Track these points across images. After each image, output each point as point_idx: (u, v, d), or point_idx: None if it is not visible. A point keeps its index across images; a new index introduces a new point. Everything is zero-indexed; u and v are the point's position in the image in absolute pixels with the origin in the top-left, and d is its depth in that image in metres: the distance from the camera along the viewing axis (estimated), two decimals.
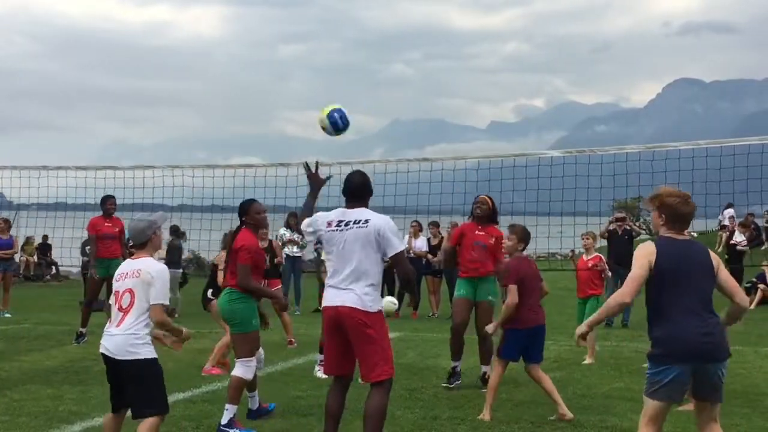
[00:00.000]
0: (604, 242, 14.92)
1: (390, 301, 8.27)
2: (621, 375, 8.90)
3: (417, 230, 15.83)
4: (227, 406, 6.36)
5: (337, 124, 6.24)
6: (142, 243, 5.22)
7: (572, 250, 11.67)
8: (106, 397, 6.49)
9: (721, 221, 24.35)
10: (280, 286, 11.63)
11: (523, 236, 7.05)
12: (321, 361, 8.14)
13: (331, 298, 5.45)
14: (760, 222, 24.23)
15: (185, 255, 19.23)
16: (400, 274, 5.56)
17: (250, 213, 6.64)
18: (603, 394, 7.84)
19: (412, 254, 15.95)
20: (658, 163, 10.72)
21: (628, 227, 14.39)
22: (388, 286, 15.14)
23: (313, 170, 6.05)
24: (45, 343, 11.23)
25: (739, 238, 17.76)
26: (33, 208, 17.83)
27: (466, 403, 7.41)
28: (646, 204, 4.94)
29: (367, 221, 5.41)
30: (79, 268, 18.10)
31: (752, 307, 16.02)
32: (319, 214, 5.67)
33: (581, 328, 4.94)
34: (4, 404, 7.28)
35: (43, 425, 6.55)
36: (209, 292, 9.49)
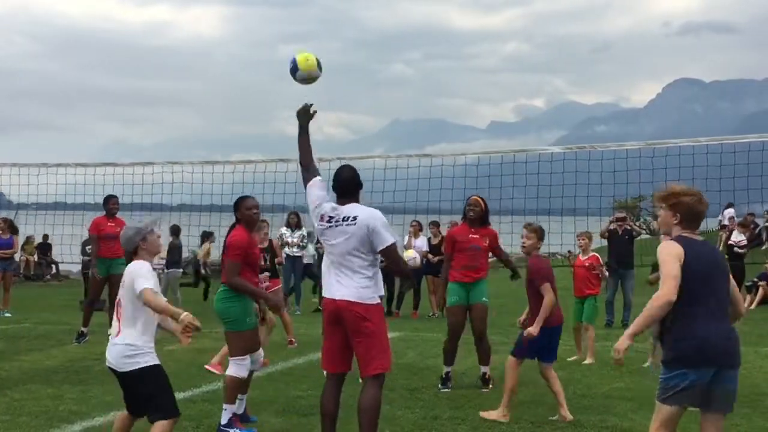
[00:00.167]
0: (602, 242, 14.92)
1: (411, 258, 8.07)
2: (621, 375, 8.89)
3: (417, 230, 15.82)
4: (225, 406, 6.33)
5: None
6: (132, 251, 5.22)
7: (569, 251, 11.66)
8: (106, 397, 6.50)
9: (721, 221, 24.34)
10: (280, 286, 11.62)
11: (541, 235, 7.01)
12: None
13: (331, 291, 5.46)
14: (760, 222, 24.24)
15: (185, 255, 19.23)
16: (393, 268, 5.51)
17: (240, 209, 6.57)
18: (603, 394, 7.83)
19: None
20: (658, 160, 10.72)
21: (628, 227, 14.38)
22: (388, 286, 15.13)
23: (305, 110, 5.86)
24: (45, 342, 11.22)
25: (738, 238, 17.74)
26: (33, 207, 17.84)
27: (467, 403, 7.41)
28: (657, 201, 4.74)
29: (355, 218, 5.41)
30: (80, 268, 18.09)
31: (752, 306, 16.03)
32: (326, 198, 5.62)
33: (624, 343, 4.43)
34: (5, 404, 7.27)
35: (43, 425, 6.54)
36: None
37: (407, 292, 15.51)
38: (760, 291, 16.80)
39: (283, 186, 13.52)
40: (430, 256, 15.37)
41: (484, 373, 8.20)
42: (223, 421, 6.30)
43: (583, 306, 9.95)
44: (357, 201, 5.60)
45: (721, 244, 21.88)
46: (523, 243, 7.01)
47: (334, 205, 5.56)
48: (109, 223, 11.33)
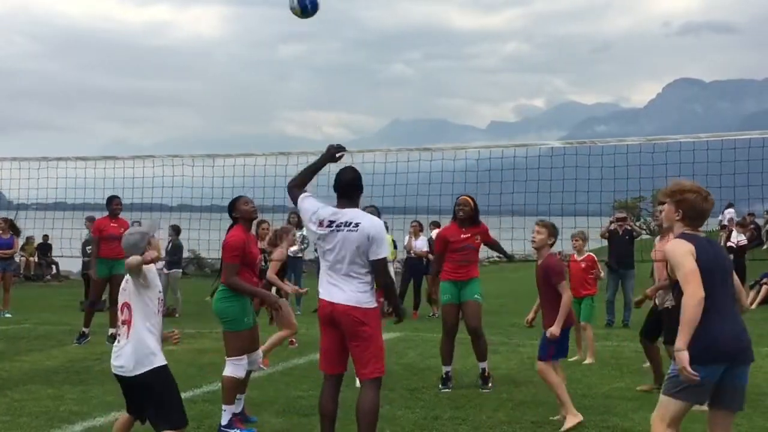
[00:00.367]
0: (602, 242, 14.91)
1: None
2: (622, 375, 8.89)
3: (417, 230, 15.82)
4: (224, 406, 6.33)
5: (306, 9, 6.42)
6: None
7: (559, 252, 11.67)
8: (106, 398, 6.50)
9: (721, 221, 24.36)
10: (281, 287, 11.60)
11: (553, 231, 6.83)
12: None
13: (329, 293, 5.45)
14: (761, 221, 24.23)
15: (186, 254, 19.22)
16: (379, 282, 5.45)
17: (237, 207, 6.58)
18: (604, 394, 7.83)
19: (412, 254, 15.96)
20: (658, 156, 10.67)
21: (628, 227, 14.39)
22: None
23: (337, 152, 5.97)
24: (45, 343, 11.22)
25: (737, 237, 17.73)
26: (33, 207, 17.82)
27: (467, 403, 7.40)
28: (663, 196, 4.70)
29: (357, 225, 5.41)
30: (80, 268, 18.10)
31: (753, 306, 16.00)
32: (322, 205, 5.61)
33: (684, 356, 4.25)
34: (5, 404, 7.27)
35: (44, 425, 6.54)
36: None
37: (406, 291, 15.53)
38: (763, 290, 16.77)
39: (284, 190, 13.46)
40: (430, 256, 15.37)
41: (483, 370, 8.21)
42: (224, 421, 6.30)
43: (580, 306, 9.94)
44: (357, 205, 5.59)
45: (722, 244, 21.90)
46: (533, 238, 6.86)
47: (334, 209, 5.54)
48: (111, 224, 11.33)
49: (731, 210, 23.25)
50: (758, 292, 16.77)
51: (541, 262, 6.80)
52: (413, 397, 7.64)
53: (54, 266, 25.47)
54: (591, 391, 7.96)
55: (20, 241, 17.62)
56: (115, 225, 11.24)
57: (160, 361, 5.02)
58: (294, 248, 15.12)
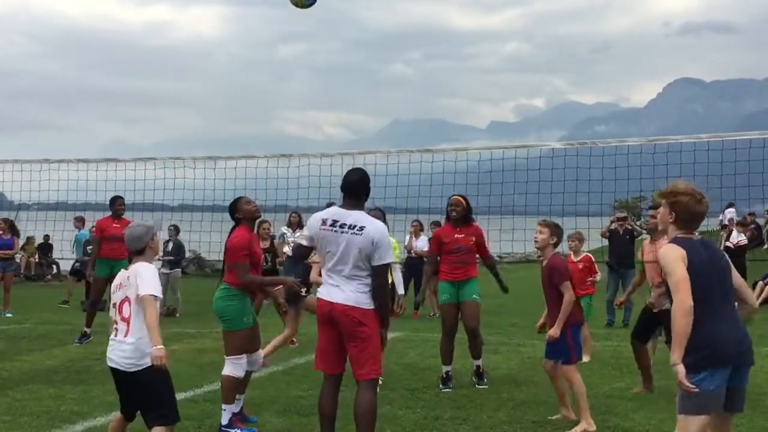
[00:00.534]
0: (602, 241, 14.91)
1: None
2: (622, 375, 8.90)
3: (418, 230, 15.83)
4: (224, 406, 6.35)
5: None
6: (140, 249, 5.21)
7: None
8: (107, 397, 6.51)
9: (722, 221, 24.37)
10: (280, 287, 11.59)
11: (555, 230, 6.81)
12: None
13: (328, 293, 5.46)
14: (761, 221, 24.24)
15: (187, 255, 19.22)
16: (375, 285, 5.44)
17: (240, 208, 6.62)
18: (604, 394, 7.83)
19: (413, 254, 15.96)
20: (659, 157, 10.69)
21: (629, 227, 14.39)
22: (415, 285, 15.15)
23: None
24: (46, 342, 11.23)
25: (737, 237, 17.72)
26: (34, 208, 17.84)
27: (468, 403, 7.41)
28: (659, 197, 4.64)
29: (362, 228, 5.41)
30: (77, 266, 18.07)
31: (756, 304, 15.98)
32: (312, 216, 5.65)
33: (681, 369, 4.23)
34: (6, 404, 7.27)
35: (45, 425, 6.55)
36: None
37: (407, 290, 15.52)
38: (766, 290, 16.73)
39: (285, 191, 13.51)
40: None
41: (478, 366, 8.27)
42: (224, 421, 6.31)
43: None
44: (363, 207, 5.60)
45: (721, 244, 21.90)
46: (535, 238, 6.86)
47: (339, 210, 5.55)
48: (114, 224, 11.33)
49: (732, 210, 23.27)
50: (759, 294, 16.73)
51: (546, 262, 6.78)
52: (414, 397, 7.64)
53: (54, 266, 25.46)
54: (591, 391, 7.94)
55: (20, 242, 17.63)
56: (118, 225, 11.24)
57: None
58: (286, 249, 15.13)
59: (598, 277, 10.47)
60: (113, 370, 5.12)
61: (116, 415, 5.36)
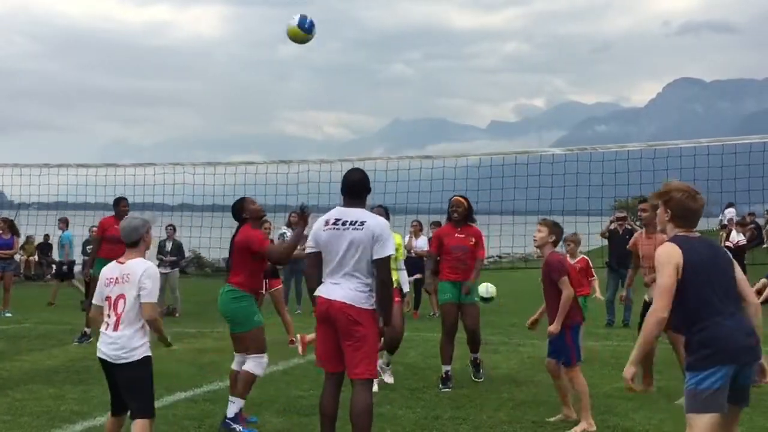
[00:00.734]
0: (602, 241, 14.90)
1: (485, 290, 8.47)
2: (622, 375, 8.89)
3: (417, 230, 15.81)
4: (233, 398, 6.35)
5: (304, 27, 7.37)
6: (135, 241, 5.24)
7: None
8: (107, 397, 6.50)
9: (722, 221, 24.38)
10: (280, 287, 11.63)
11: (554, 229, 6.81)
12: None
13: (327, 291, 5.47)
14: (761, 221, 24.24)
15: (187, 254, 19.21)
16: (378, 280, 5.43)
17: (245, 207, 6.70)
18: (604, 394, 7.83)
19: (413, 254, 15.95)
20: (659, 161, 10.71)
21: (629, 227, 14.37)
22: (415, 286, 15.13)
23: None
24: (46, 342, 11.23)
25: (736, 238, 17.73)
26: (34, 207, 17.86)
27: (468, 403, 7.41)
28: (654, 199, 4.65)
29: (363, 223, 5.42)
30: (80, 268, 18.09)
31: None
32: (317, 221, 5.66)
33: (630, 371, 4.42)
34: (6, 404, 7.28)
35: (45, 425, 6.56)
36: None
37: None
38: (760, 282, 16.72)
39: (285, 188, 13.54)
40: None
41: (475, 358, 8.34)
42: (230, 414, 6.30)
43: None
44: (364, 206, 5.61)
45: (721, 244, 21.92)
46: (534, 236, 6.87)
47: (340, 209, 5.58)
48: (116, 225, 11.30)
49: (731, 209, 23.28)
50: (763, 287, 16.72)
51: (545, 260, 6.80)
52: (414, 397, 7.65)
53: (54, 266, 25.45)
54: (591, 391, 7.91)
55: (20, 241, 17.64)
56: (119, 227, 11.23)
57: (146, 351, 5.15)
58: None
59: (596, 283, 10.48)
60: (102, 361, 5.23)
61: (109, 418, 5.39)
